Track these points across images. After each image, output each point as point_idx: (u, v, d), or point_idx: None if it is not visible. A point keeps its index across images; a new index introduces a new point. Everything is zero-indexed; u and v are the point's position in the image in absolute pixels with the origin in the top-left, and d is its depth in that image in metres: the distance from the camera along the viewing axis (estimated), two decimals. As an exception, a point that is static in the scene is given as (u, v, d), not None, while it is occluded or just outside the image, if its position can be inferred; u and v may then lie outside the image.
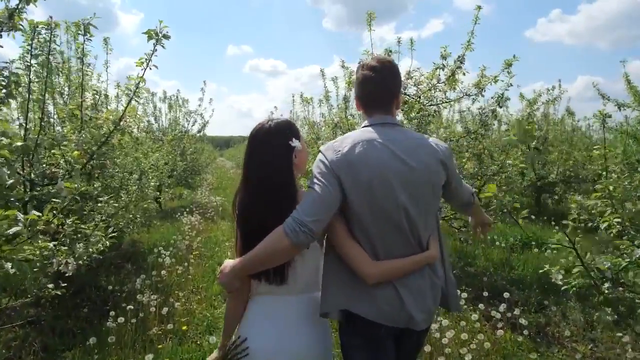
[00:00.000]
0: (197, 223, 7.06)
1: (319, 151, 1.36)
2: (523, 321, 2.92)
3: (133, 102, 2.18)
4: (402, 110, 4.38)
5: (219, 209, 9.07)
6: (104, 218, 2.69)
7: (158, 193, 8.85)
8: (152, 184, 4.68)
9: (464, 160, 4.73)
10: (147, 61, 2.06)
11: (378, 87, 1.41)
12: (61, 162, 2.07)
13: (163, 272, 4.00)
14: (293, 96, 6.99)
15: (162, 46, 2.05)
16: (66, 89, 3.62)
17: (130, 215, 4.12)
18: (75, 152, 2.00)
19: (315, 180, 1.28)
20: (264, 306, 1.38)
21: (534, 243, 5.62)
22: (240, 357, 1.32)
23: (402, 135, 1.38)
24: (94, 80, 4.36)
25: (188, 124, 9.72)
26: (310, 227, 1.19)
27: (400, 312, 1.30)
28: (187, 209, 8.38)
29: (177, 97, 9.54)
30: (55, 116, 3.56)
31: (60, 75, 3.41)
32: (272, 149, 1.34)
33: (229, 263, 1.33)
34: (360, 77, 1.43)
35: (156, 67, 2.06)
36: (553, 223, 6.90)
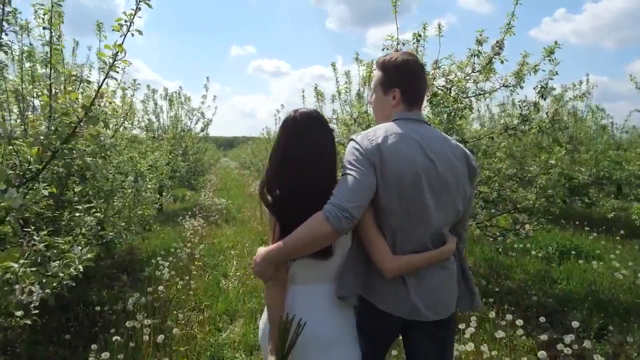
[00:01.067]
0: (200, 228, 6.54)
1: (351, 139, 1.36)
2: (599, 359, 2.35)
3: (110, 80, 1.64)
4: (430, 102, 3.84)
5: (223, 212, 8.56)
6: (84, 231, 2.17)
7: (159, 195, 8.38)
8: (150, 186, 4.16)
9: (494, 159, 4.20)
10: (128, 24, 1.52)
11: (423, 83, 1.47)
12: (16, 161, 1.57)
13: (160, 287, 3.49)
14: (303, 91, 6.48)
15: (148, 4, 1.51)
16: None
17: (123, 223, 3.59)
18: (34, 150, 1.48)
19: (351, 167, 1.28)
20: (298, 294, 1.38)
21: (573, 252, 5.05)
22: (299, 333, 1.29)
23: (432, 133, 1.41)
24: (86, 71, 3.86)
25: (191, 122, 9.23)
26: (352, 213, 1.20)
27: (405, 302, 1.33)
28: (190, 212, 7.87)
29: (179, 94, 9.03)
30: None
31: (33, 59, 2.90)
32: (321, 130, 1.37)
33: (261, 251, 1.30)
34: (414, 73, 1.43)
35: (140, 33, 1.51)
36: (587, 229, 6.36)
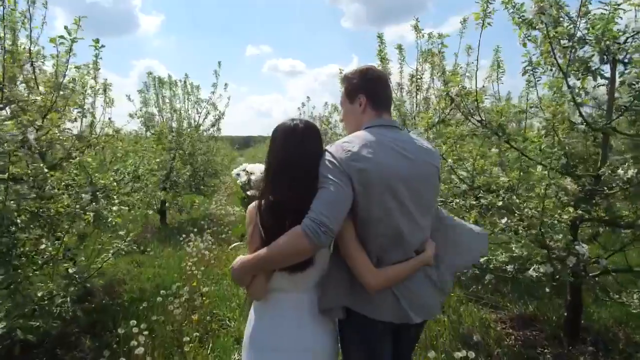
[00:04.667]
0: (207, 252, 4.99)
1: (326, 150, 1.34)
2: None
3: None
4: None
5: (237, 224, 7.03)
6: None
7: (158, 205, 6.87)
8: (115, 208, 2.59)
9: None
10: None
11: (388, 89, 1.49)
12: None
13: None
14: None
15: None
16: None
17: (63, 284, 2.03)
18: None
19: (327, 180, 1.26)
20: (276, 304, 1.38)
21: None
22: None
23: (407, 138, 1.42)
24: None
25: (199, 116, 7.69)
26: (330, 227, 1.19)
27: (396, 309, 1.34)
28: (197, 227, 6.36)
29: (184, 82, 7.51)
30: None
31: None
32: (317, 142, 1.37)
33: (240, 259, 1.31)
34: (376, 77, 1.46)
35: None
36: None
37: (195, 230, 5.69)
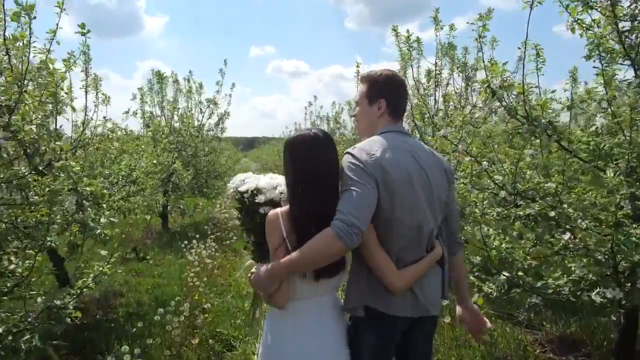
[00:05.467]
0: (210, 261, 4.65)
1: (347, 153, 1.36)
2: None
3: None
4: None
5: (242, 230, 6.69)
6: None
7: (160, 208, 6.54)
8: (103, 220, 2.25)
9: None
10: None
11: (405, 97, 1.53)
12: None
13: None
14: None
15: None
16: None
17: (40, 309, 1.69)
18: None
19: (352, 182, 1.27)
20: (300, 311, 1.38)
21: None
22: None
23: (418, 145, 1.48)
24: None
25: (202, 116, 7.36)
26: (360, 227, 1.20)
27: (415, 304, 1.38)
28: (199, 232, 6.04)
29: (188, 80, 7.19)
30: None
31: None
32: (335, 150, 1.38)
33: (263, 267, 1.31)
34: (399, 85, 1.48)
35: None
36: None
37: (198, 236, 5.36)
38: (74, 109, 3.02)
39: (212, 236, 5.70)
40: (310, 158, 1.33)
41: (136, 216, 3.76)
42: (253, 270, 1.35)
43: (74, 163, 2.09)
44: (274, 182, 1.49)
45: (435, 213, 1.41)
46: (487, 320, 1.58)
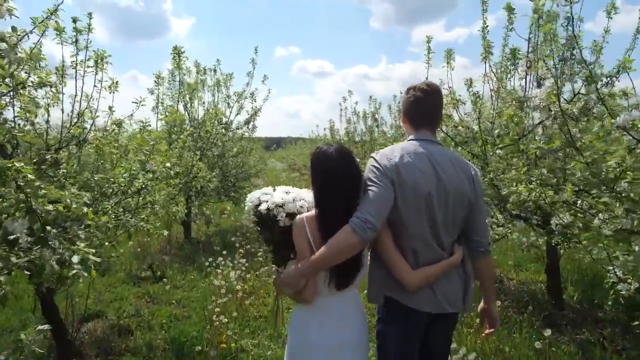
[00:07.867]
0: (240, 286, 3.76)
1: (371, 157, 1.50)
2: None
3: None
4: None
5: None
6: None
7: (184, 216, 5.71)
8: (75, 258, 1.37)
9: None
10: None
11: (430, 107, 1.60)
12: None
13: None
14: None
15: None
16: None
17: None
18: None
19: (372, 183, 1.42)
20: (325, 306, 1.50)
21: None
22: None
23: (441, 151, 1.55)
24: None
25: (230, 112, 6.52)
26: (374, 223, 1.34)
27: (432, 300, 1.48)
28: (226, 244, 5.18)
29: (214, 69, 6.36)
30: None
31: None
32: (353, 162, 1.49)
33: (291, 268, 1.46)
34: (414, 99, 1.58)
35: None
36: None
37: (225, 252, 4.48)
38: (57, 89, 2.19)
39: (240, 250, 4.83)
40: (331, 174, 1.45)
41: (149, 231, 2.92)
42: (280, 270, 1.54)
43: (25, 165, 1.23)
44: (289, 197, 1.54)
45: (452, 220, 1.49)
46: (499, 321, 1.71)
